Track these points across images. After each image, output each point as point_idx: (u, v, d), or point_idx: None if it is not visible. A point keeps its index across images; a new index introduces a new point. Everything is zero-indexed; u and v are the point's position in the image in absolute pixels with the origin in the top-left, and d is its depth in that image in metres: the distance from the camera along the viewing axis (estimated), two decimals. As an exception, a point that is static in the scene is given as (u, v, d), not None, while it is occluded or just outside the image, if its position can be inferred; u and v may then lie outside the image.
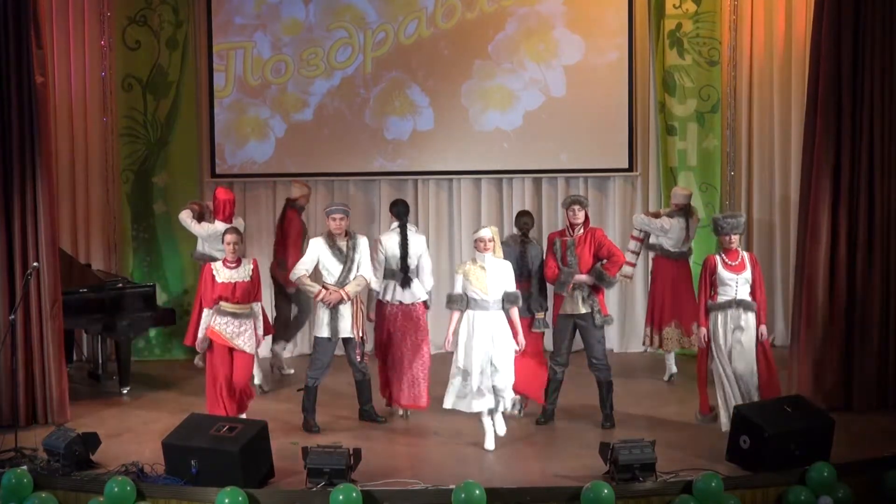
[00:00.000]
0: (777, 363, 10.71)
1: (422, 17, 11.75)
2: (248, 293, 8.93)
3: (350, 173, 11.76)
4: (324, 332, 9.27)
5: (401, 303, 9.49)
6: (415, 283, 9.49)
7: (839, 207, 9.47)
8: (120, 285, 10.58)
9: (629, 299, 11.96)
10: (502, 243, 9.46)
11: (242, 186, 11.91)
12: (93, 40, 11.53)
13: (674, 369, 10.62)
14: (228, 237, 8.96)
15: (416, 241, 9.54)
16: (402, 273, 9.43)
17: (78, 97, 11.56)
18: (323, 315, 9.27)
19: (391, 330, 9.51)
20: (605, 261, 9.19)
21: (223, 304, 8.87)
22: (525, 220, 9.57)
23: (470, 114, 11.81)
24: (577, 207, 9.20)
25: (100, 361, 10.97)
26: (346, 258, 9.24)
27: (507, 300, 8.75)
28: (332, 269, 9.26)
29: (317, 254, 9.30)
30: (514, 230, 9.58)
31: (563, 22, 11.73)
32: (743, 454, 8.23)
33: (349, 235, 9.32)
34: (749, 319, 8.87)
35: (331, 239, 9.29)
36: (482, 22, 11.75)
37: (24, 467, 7.95)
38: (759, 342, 8.91)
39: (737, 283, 8.84)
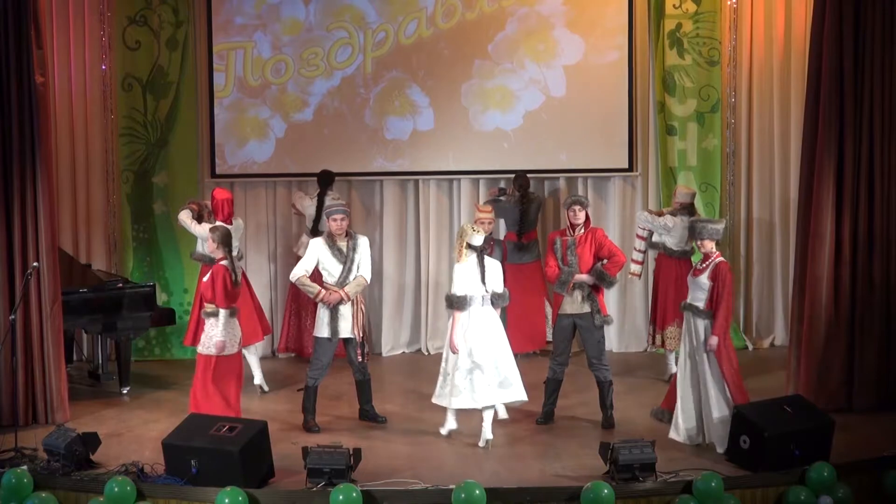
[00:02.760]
0: (777, 363, 10.73)
1: (422, 17, 11.74)
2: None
3: (350, 173, 11.75)
4: (324, 332, 9.27)
5: None
6: None
7: (842, 207, 9.45)
8: (120, 285, 10.57)
9: (629, 299, 11.94)
10: (500, 201, 11.16)
11: (243, 186, 11.91)
12: (93, 40, 11.52)
13: (674, 369, 10.55)
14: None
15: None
16: (312, 234, 10.73)
17: (78, 97, 11.55)
18: (323, 315, 9.27)
19: None
20: (605, 261, 9.20)
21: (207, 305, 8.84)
22: (521, 181, 11.19)
23: (470, 114, 11.80)
24: (577, 207, 9.21)
25: (100, 361, 10.96)
26: (346, 258, 9.25)
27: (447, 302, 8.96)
28: (332, 269, 9.26)
29: (317, 254, 9.30)
30: (514, 192, 11.16)
31: (563, 22, 11.72)
32: (743, 454, 8.23)
33: (349, 236, 9.33)
34: (700, 327, 8.69)
35: (331, 239, 9.29)
36: (482, 22, 11.74)
37: (24, 467, 7.94)
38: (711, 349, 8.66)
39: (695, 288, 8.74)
